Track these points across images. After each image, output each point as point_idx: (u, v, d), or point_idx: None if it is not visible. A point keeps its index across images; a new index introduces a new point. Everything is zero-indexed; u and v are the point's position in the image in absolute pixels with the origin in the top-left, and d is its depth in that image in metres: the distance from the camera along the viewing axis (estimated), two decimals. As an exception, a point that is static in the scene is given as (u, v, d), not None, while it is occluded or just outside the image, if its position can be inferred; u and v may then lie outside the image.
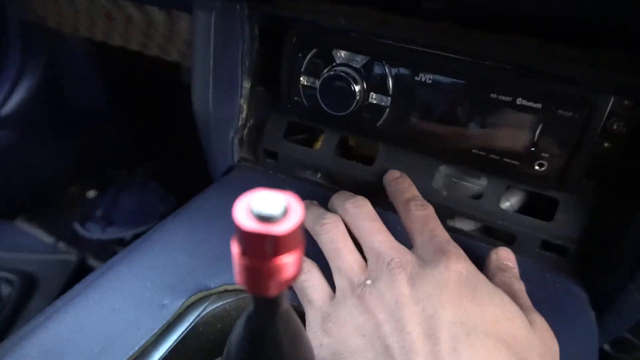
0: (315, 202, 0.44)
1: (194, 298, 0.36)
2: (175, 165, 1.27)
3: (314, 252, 0.37)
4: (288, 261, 0.18)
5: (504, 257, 0.37)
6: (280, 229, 0.17)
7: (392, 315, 0.30)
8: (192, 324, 0.35)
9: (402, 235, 0.37)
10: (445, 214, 0.44)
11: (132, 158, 1.29)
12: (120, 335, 0.32)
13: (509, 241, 0.43)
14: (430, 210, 0.38)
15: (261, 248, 0.17)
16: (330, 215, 0.39)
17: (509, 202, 0.45)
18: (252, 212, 0.17)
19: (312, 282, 0.35)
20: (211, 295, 0.37)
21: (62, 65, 1.06)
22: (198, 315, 0.35)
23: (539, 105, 0.37)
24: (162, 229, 0.43)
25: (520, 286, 0.35)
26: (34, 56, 1.02)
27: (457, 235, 0.40)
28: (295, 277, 0.20)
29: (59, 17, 0.87)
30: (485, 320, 0.29)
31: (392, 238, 0.36)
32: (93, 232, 1.10)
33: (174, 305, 0.35)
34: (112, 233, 1.10)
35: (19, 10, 0.95)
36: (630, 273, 0.36)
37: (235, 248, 0.18)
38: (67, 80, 1.09)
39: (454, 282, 0.31)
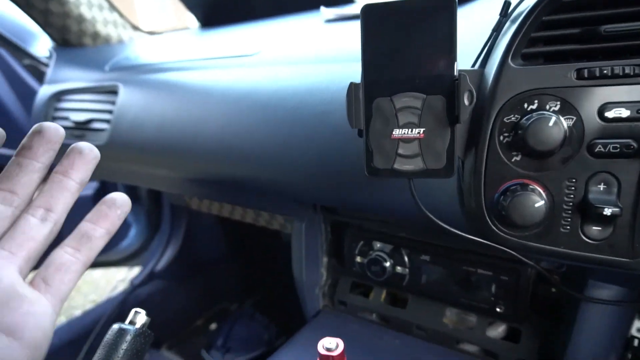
0: None
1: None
2: (274, 298, 1.59)
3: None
4: (341, 367, 0.47)
5: None
6: (334, 354, 0.46)
7: None
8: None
9: None
10: (452, 340, 0.69)
11: (241, 292, 1.64)
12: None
13: (495, 357, 0.66)
14: None
15: (329, 362, 0.47)
16: None
17: (497, 331, 0.69)
18: (323, 346, 0.46)
19: None
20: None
21: (195, 231, 1.48)
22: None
23: (490, 273, 0.63)
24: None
25: None
26: (178, 227, 1.46)
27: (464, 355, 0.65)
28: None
29: (199, 203, 1.29)
30: None
31: None
32: (216, 358, 1.41)
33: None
34: (229, 359, 1.40)
35: (171, 199, 1.40)
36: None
37: (318, 362, 0.47)
38: (197, 241, 1.51)
39: None
